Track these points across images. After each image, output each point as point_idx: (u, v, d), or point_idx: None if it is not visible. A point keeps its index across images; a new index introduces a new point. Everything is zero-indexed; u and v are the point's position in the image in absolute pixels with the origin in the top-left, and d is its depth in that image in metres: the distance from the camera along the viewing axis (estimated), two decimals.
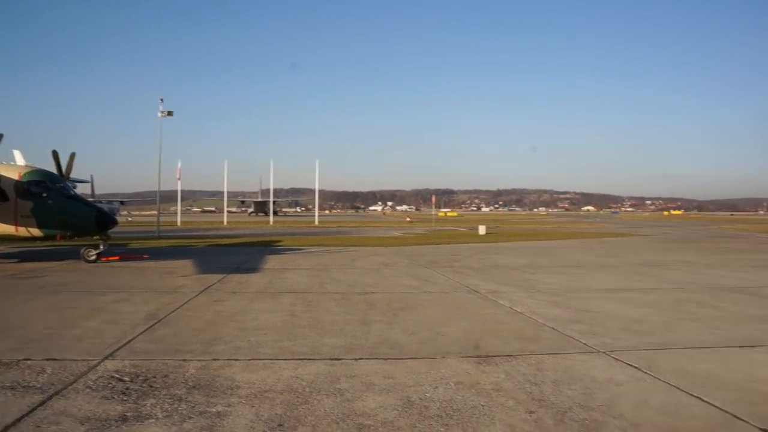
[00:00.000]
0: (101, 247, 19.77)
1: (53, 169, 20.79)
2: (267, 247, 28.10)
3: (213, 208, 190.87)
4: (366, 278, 15.51)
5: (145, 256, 21.46)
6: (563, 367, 6.96)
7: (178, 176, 61.91)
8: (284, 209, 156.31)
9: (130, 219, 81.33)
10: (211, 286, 13.72)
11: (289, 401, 5.59)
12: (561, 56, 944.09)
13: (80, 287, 13.65)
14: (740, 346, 8.21)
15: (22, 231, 19.10)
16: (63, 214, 19.15)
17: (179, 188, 65.42)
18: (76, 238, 20.26)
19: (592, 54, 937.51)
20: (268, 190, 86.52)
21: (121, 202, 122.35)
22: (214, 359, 7.15)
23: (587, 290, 13.72)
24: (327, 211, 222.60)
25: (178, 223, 61.30)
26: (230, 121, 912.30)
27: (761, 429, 5.13)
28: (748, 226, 73.08)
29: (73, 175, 23.07)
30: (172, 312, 10.33)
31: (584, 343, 8.21)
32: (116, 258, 20.23)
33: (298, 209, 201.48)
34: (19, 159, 22.35)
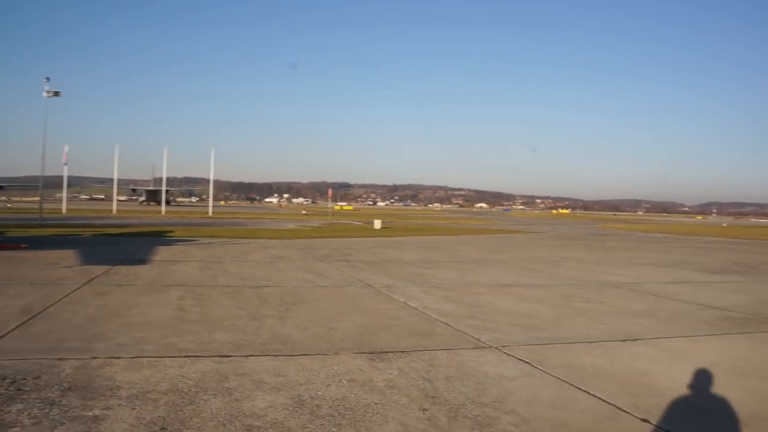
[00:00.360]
0: None
1: None
2: (158, 237, 27.09)
3: (102, 196, 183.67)
4: (259, 271, 15.17)
5: (24, 246, 20.16)
6: (456, 362, 6.96)
7: (64, 161, 59.26)
8: (178, 199, 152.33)
9: (9, 205, 77.03)
10: (95, 278, 13.02)
11: (174, 402, 5.28)
12: (457, 48, 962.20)
13: None
14: (623, 340, 8.53)
15: None
16: None
17: (65, 174, 62.75)
18: None
19: (487, 48, 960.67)
20: (160, 179, 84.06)
21: (1, 187, 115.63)
22: (94, 357, 6.70)
23: (480, 285, 13.94)
24: (222, 202, 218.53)
25: (64, 210, 58.66)
26: (123, 107, 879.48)
27: (642, 419, 5.29)
28: (628, 225, 77.18)
29: None
30: (51, 306, 9.68)
31: (477, 339, 8.28)
32: None
33: (192, 199, 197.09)
34: None
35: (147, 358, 6.69)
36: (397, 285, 13.43)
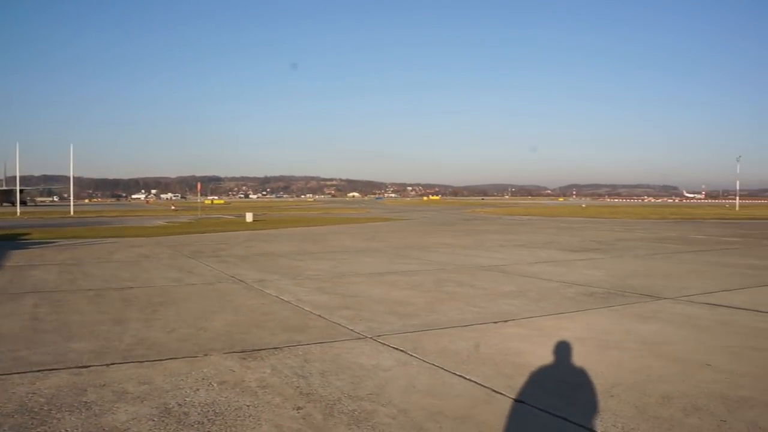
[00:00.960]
0: None
1: None
2: (11, 241, 25.27)
3: None
4: (124, 272, 14.39)
5: None
6: (331, 356, 6.79)
7: None
8: (36, 198, 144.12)
9: None
10: None
11: (22, 424, 4.75)
12: (321, 41, 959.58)
13: None
14: (495, 322, 8.66)
15: None
16: None
17: None
18: None
19: (346, 40, 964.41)
20: (14, 177, 78.91)
21: None
22: None
23: (354, 275, 13.87)
24: (87, 201, 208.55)
25: None
26: None
27: (516, 400, 5.34)
28: (496, 209, 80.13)
29: None
30: None
31: (351, 330, 8.14)
32: None
33: (55, 198, 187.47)
34: None
35: None
36: (270, 279, 13.13)
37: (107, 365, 6.43)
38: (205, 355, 6.85)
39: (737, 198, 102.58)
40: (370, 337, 7.71)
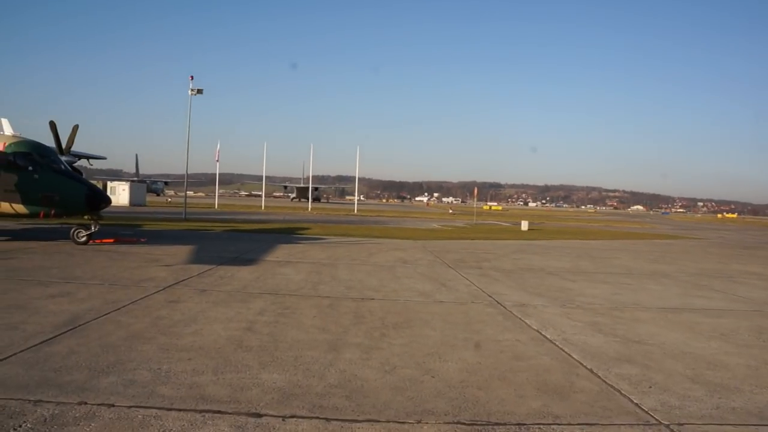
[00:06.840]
0: (93, 227, 17.75)
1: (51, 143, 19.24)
2: (288, 234, 25.99)
3: (260, 193, 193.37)
4: (372, 278, 13.03)
5: (143, 240, 19.53)
6: None
7: (216, 158, 61.27)
8: (331, 197, 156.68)
9: (169, 200, 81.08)
10: (184, 279, 11.56)
11: None
12: (604, 50, 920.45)
13: (33, 274, 11.59)
14: None
15: (5, 207, 17.15)
16: (49, 190, 17.12)
17: (217, 170, 65.44)
18: (64, 216, 18.19)
19: (634, 50, 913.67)
20: (315, 176, 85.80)
21: (165, 183, 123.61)
22: (81, 403, 4.81)
23: (638, 308, 10.97)
24: (383, 201, 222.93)
25: (216, 206, 60.78)
26: (275, 105, 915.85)
27: None
28: None
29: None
30: (104, 315, 8.10)
31: (636, 404, 5.51)
32: (111, 240, 18.29)
33: (360, 197, 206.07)
34: (7, 128, 20.50)
35: (146, 410, 4.67)
36: (533, 304, 10.80)
37: (283, 418, 4.71)
38: (418, 422, 4.78)
39: None
40: (666, 425, 5.02)
